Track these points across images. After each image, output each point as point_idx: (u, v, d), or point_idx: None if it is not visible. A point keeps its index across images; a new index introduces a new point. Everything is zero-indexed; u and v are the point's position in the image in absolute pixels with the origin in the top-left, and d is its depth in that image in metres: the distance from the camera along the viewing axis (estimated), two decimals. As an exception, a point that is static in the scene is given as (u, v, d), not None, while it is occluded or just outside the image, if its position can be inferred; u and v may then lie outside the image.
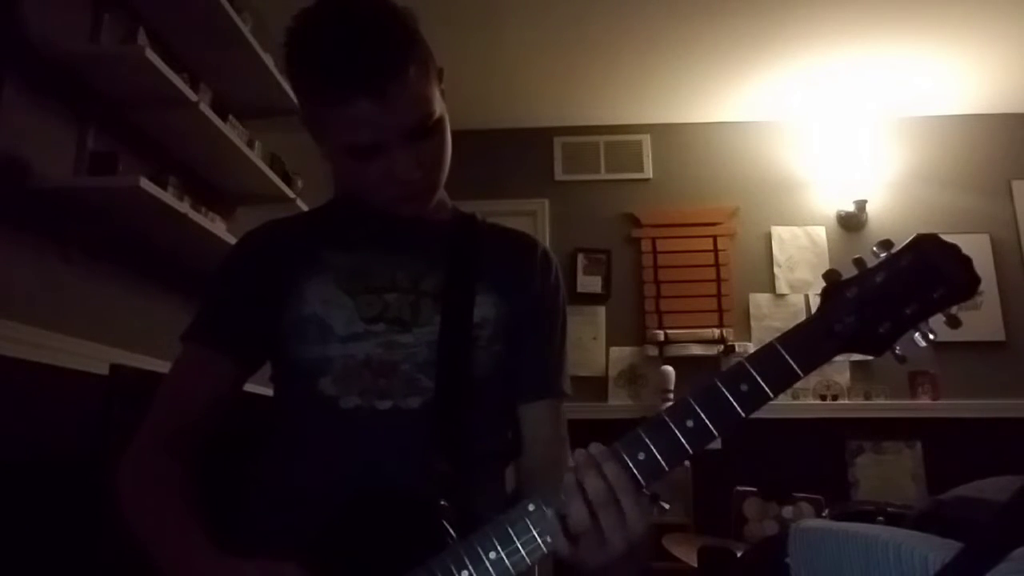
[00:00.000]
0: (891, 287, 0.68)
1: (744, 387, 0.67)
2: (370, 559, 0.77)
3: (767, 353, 0.68)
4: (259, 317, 0.93)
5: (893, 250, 0.69)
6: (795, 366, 0.67)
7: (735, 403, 0.66)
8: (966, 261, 0.67)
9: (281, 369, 0.96)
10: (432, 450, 0.85)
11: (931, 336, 0.68)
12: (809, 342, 0.68)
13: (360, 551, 0.77)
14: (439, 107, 0.89)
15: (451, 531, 0.76)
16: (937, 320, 0.69)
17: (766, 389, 0.67)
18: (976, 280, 0.67)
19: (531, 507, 0.68)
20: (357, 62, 0.79)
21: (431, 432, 0.86)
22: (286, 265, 0.94)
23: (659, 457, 0.67)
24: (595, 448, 0.67)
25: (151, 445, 0.88)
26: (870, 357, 0.69)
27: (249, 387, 1.00)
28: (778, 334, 0.69)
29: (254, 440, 0.94)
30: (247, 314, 0.94)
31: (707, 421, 0.67)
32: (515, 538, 0.68)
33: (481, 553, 0.68)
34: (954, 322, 0.68)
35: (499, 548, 0.68)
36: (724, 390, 0.67)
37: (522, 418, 0.98)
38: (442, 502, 0.79)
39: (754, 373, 0.67)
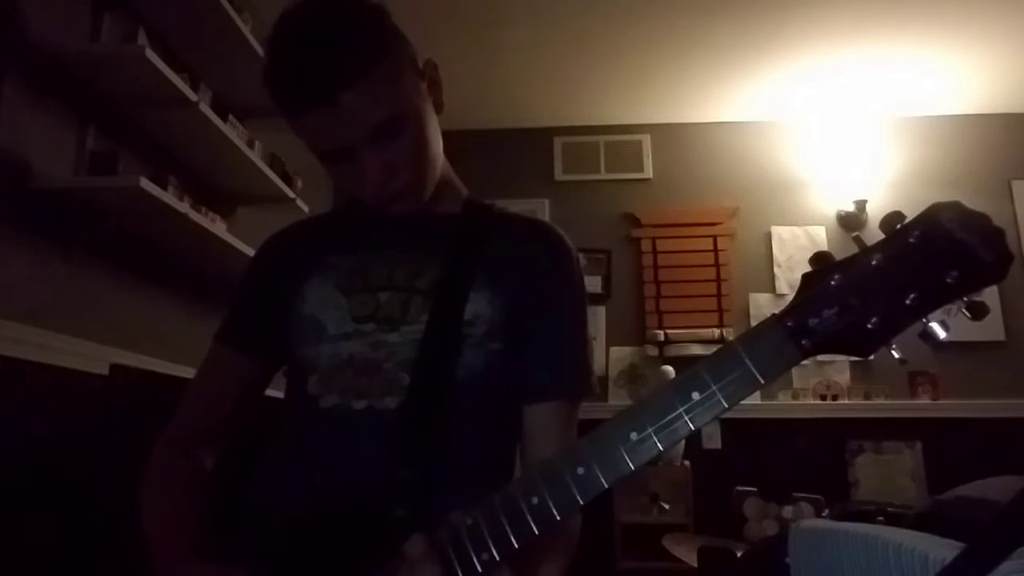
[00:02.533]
0: (889, 270, 0.55)
1: (696, 395, 0.59)
2: (319, 570, 0.75)
3: (726, 356, 0.59)
4: (272, 318, 0.94)
5: (901, 224, 0.56)
6: (756, 372, 0.57)
7: (685, 416, 0.59)
8: (995, 234, 0.53)
9: (287, 369, 0.97)
10: (398, 455, 0.80)
11: (944, 330, 0.55)
12: (775, 343, 0.58)
13: (310, 562, 0.76)
14: (409, 104, 0.85)
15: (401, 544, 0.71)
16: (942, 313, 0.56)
17: (721, 400, 0.58)
18: (1006, 258, 0.52)
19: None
20: (307, 72, 0.79)
21: (400, 435, 0.81)
22: (295, 266, 0.95)
23: (559, 499, 0.61)
24: (416, 547, 0.63)
25: (171, 444, 0.92)
26: (856, 358, 0.61)
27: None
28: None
29: (262, 442, 0.95)
30: (262, 315, 0.96)
31: (653, 436, 0.60)
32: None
33: None
34: (978, 311, 0.54)
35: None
36: (676, 400, 0.59)
37: (525, 420, 0.90)
38: (398, 512, 0.76)
39: (708, 379, 0.58)
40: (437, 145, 0.92)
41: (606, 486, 0.61)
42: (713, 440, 3.34)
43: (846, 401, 3.41)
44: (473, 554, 0.64)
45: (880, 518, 1.34)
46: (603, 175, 3.84)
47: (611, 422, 0.62)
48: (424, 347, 0.85)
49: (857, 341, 0.57)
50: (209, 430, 0.94)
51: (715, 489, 2.96)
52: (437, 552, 0.64)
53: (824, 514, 2.48)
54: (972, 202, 0.55)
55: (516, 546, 0.63)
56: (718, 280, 3.60)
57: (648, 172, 3.82)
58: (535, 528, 0.63)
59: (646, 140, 3.84)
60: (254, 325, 0.97)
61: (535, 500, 0.63)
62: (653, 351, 3.53)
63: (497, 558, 0.63)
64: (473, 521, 0.65)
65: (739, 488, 2.86)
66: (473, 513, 0.65)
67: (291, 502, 0.82)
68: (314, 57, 0.78)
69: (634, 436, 0.60)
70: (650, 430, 0.60)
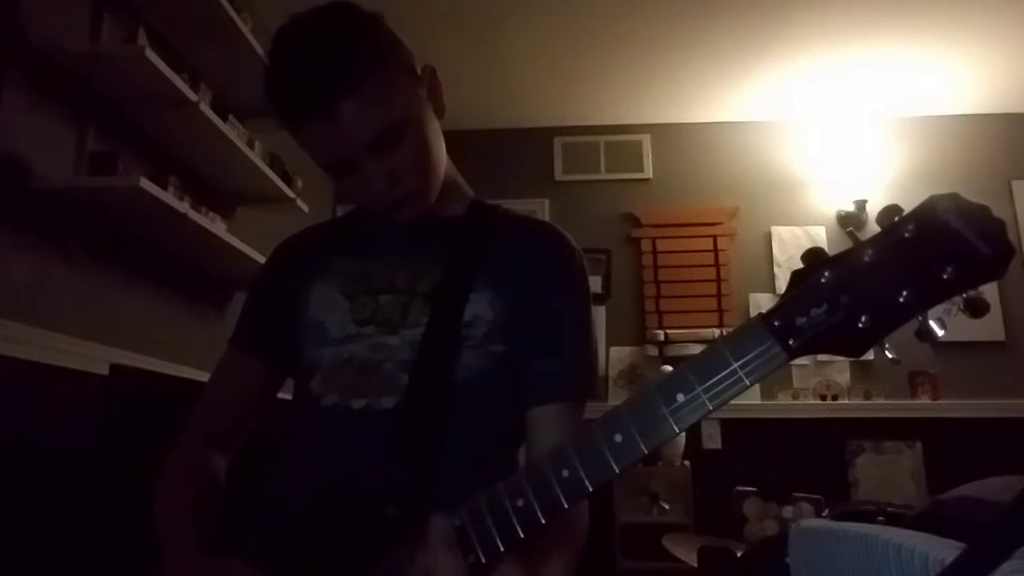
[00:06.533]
0: (881, 266, 0.52)
1: (681, 396, 0.57)
2: (311, 567, 0.76)
3: (712, 356, 0.57)
4: (280, 322, 0.95)
5: (898, 217, 0.53)
6: (741, 373, 0.55)
7: (669, 418, 0.58)
8: (994, 227, 0.50)
9: (295, 371, 0.98)
10: (392, 454, 0.81)
11: (942, 328, 0.52)
12: (761, 343, 0.55)
13: (303, 558, 0.77)
14: (408, 111, 0.86)
15: (396, 541, 0.71)
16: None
17: (706, 402, 0.57)
18: (1006, 253, 0.49)
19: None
20: (304, 86, 0.80)
21: (396, 435, 0.82)
22: (304, 271, 0.96)
23: (544, 501, 0.61)
24: (440, 526, 0.63)
25: (186, 449, 0.94)
26: (846, 359, 0.58)
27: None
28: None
29: (268, 442, 0.97)
30: (273, 319, 0.97)
31: (637, 438, 0.59)
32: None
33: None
34: (977, 308, 0.51)
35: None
36: (661, 402, 0.58)
37: (530, 422, 0.89)
38: (389, 512, 0.75)
39: (694, 380, 0.57)
40: (439, 150, 0.92)
41: (591, 489, 0.60)
42: (713, 440, 3.34)
43: (846, 401, 3.41)
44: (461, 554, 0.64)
45: (880, 518, 1.34)
46: (603, 175, 3.84)
47: (596, 424, 0.61)
48: (423, 348, 0.85)
49: (847, 340, 0.54)
50: (223, 433, 0.96)
51: (715, 489, 2.95)
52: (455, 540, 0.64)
53: (824, 514, 2.47)
54: (972, 202, 0.54)
55: (502, 549, 0.63)
56: (718, 280, 3.60)
57: (648, 172, 3.82)
58: (520, 531, 0.62)
59: (646, 140, 3.84)
60: (265, 329, 0.98)
61: (520, 502, 0.63)
62: (653, 351, 3.53)
63: (483, 560, 0.63)
64: (460, 523, 0.65)
65: (739, 488, 2.85)
66: (460, 514, 0.65)
67: (291, 501, 0.83)
68: (309, 71, 0.80)
69: (618, 438, 0.59)
70: (635, 432, 0.59)
